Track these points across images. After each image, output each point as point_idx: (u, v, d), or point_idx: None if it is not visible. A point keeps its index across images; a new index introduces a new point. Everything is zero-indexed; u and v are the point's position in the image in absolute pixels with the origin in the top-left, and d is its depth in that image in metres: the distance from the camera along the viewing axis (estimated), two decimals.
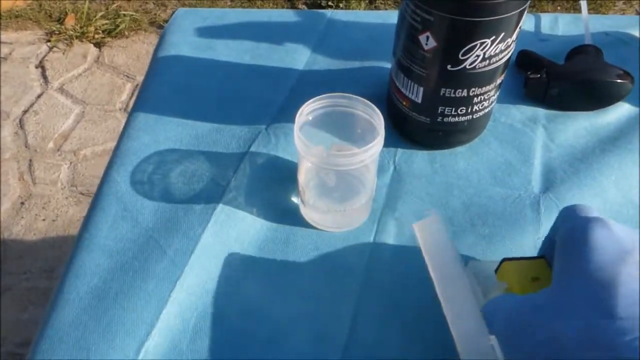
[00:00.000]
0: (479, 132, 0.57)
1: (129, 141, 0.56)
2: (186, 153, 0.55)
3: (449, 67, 0.48)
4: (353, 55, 0.66)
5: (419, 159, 0.55)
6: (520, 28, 0.47)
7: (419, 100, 0.52)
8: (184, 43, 0.68)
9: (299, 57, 0.66)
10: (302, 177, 0.49)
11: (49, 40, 2.11)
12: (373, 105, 0.46)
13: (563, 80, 0.58)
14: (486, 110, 0.53)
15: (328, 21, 0.72)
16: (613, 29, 0.68)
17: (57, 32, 2.13)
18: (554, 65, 0.60)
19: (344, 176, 0.50)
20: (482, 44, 0.46)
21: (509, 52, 0.49)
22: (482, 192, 0.53)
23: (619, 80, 0.57)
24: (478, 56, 0.47)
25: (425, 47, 0.48)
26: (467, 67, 0.48)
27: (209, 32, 0.70)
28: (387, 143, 0.55)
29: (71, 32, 2.13)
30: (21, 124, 1.78)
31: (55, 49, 2.07)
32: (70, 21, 2.20)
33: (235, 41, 0.68)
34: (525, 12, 0.47)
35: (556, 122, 0.59)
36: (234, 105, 0.60)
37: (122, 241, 0.47)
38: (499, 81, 0.51)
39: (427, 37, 0.47)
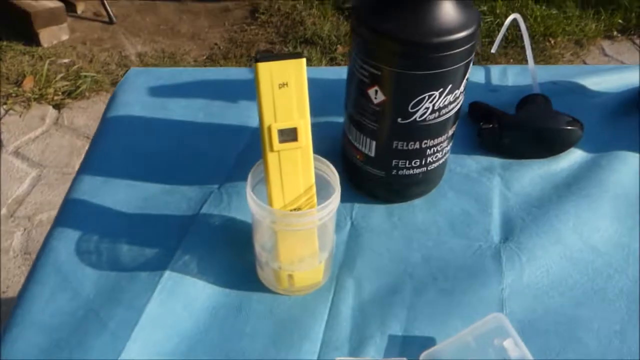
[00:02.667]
0: (435, 183, 0.56)
1: (73, 206, 0.53)
2: (134, 217, 0.53)
3: (399, 120, 0.47)
4: None
5: (377, 214, 0.54)
6: (467, 80, 0.48)
7: (373, 154, 0.51)
8: (136, 102, 0.66)
9: (253, 114, 0.65)
10: (258, 238, 0.46)
11: (5, 104, 2.07)
12: (327, 162, 0.45)
13: (515, 129, 0.59)
14: (440, 162, 0.53)
15: None
16: (560, 78, 0.70)
17: (14, 95, 2.10)
18: (505, 115, 0.61)
19: None
20: (430, 96, 0.46)
21: (458, 104, 0.49)
22: (442, 245, 0.52)
23: (569, 127, 0.58)
24: (427, 108, 0.47)
25: (375, 101, 0.47)
26: (418, 119, 0.47)
27: (162, 91, 0.68)
28: (344, 198, 0.54)
29: (29, 95, 2.10)
30: None
31: (11, 111, 2.03)
32: (28, 83, 2.17)
33: (189, 99, 0.67)
34: (471, 64, 0.47)
35: (511, 170, 0.59)
36: (186, 165, 0.59)
37: (58, 315, 0.44)
38: (450, 132, 0.51)
39: (376, 91, 0.47)
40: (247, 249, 0.48)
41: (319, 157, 0.45)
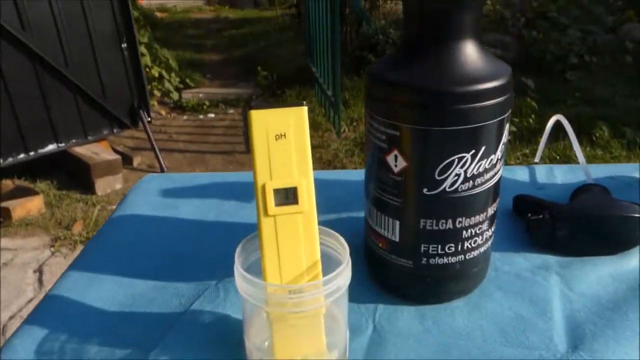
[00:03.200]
0: (476, 280, 0.46)
1: (49, 304, 0.46)
2: (114, 315, 0.44)
3: (425, 191, 0.40)
4: (330, 209, 0.59)
5: (405, 316, 0.44)
6: (504, 144, 0.41)
7: (397, 238, 0.43)
8: (144, 203, 0.62)
9: None
10: (250, 334, 0.37)
11: (52, 246, 2.11)
12: (335, 234, 0.37)
13: (571, 219, 0.50)
14: (481, 250, 0.44)
15: None
16: (616, 174, 0.62)
17: (62, 238, 2.14)
18: (558, 205, 0.52)
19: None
20: (460, 159, 0.39)
21: (495, 174, 0.41)
22: (490, 354, 0.40)
23: (637, 215, 0.48)
24: (458, 175, 0.39)
25: (395, 170, 0.40)
26: (448, 189, 0.40)
27: (174, 193, 0.64)
28: (364, 298, 0.45)
29: (77, 238, 2.14)
30: (4, 330, 1.67)
31: (57, 253, 2.06)
32: (77, 227, 2.23)
33: (201, 200, 0.62)
34: (507, 127, 0.40)
35: (572, 268, 0.48)
36: (186, 262, 0.51)
37: None
38: (490, 212, 0.43)
39: (396, 157, 0.40)
40: (238, 350, 0.39)
41: (326, 228, 0.37)
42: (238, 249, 0.36)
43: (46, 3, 2.26)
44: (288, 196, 0.35)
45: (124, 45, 2.58)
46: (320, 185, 0.65)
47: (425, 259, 0.43)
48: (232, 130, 3.23)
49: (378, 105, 0.40)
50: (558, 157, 2.30)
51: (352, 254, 0.36)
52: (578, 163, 0.62)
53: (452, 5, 0.37)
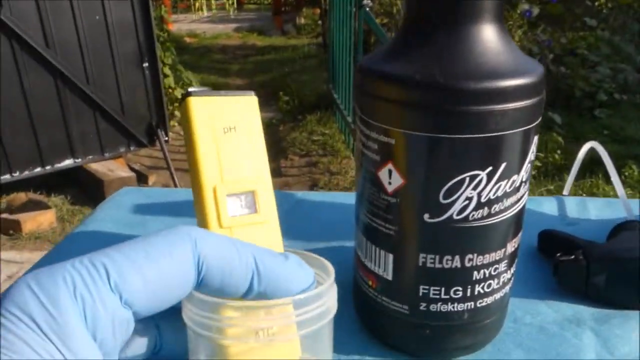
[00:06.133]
0: (489, 334, 0.37)
1: None
2: None
3: (426, 217, 0.31)
4: (318, 236, 0.51)
5: None
6: (530, 164, 0.32)
7: (390, 276, 0.34)
8: (110, 220, 0.54)
9: None
10: None
11: None
12: (311, 254, 0.29)
13: (609, 261, 0.40)
14: (496, 297, 0.34)
15: (296, 202, 0.58)
16: None
17: None
18: (593, 245, 0.42)
19: None
20: (473, 179, 0.30)
21: (518, 201, 0.32)
22: None
23: None
24: (470, 199, 0.30)
25: (389, 188, 0.32)
26: (455, 217, 0.31)
27: (146, 208, 0.56)
28: (348, 347, 0.36)
29: None
30: None
31: None
32: None
33: (174, 218, 0.54)
34: (535, 135, 0.32)
35: (611, 324, 0.39)
36: None
37: None
38: (510, 248, 0.34)
39: (390, 172, 0.31)
40: None
41: (303, 251, 0.29)
42: None
43: (71, 22, 2.27)
44: (245, 203, 0.27)
45: (146, 64, 2.57)
46: (307, 207, 0.57)
47: (424, 305, 0.33)
48: None
49: (369, 106, 0.32)
50: (584, 195, 2.17)
51: (339, 291, 0.27)
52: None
53: None
